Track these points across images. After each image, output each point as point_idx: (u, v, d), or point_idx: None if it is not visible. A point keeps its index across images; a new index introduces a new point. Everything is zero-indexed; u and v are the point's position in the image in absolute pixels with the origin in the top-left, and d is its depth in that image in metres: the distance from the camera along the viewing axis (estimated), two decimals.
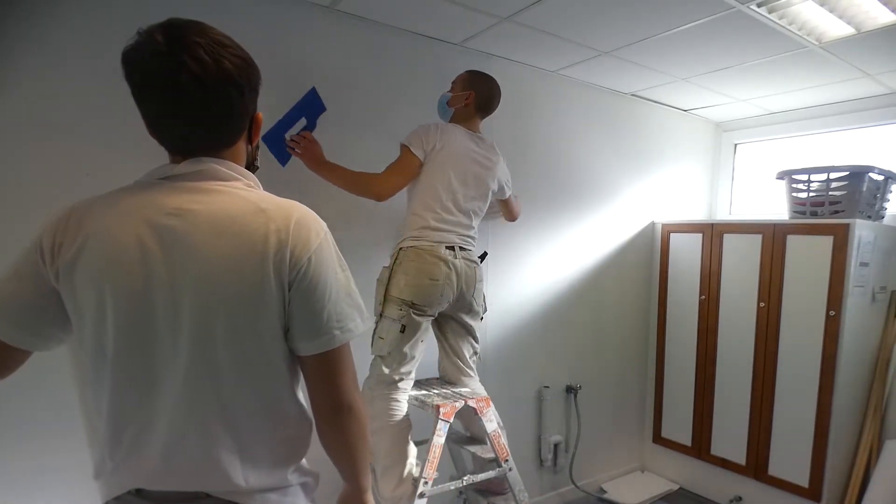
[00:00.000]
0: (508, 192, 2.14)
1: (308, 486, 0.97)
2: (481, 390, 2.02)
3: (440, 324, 1.98)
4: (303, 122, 1.89)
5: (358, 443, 0.95)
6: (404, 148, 1.83)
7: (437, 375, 2.10)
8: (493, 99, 2.01)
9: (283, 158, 1.89)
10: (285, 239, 0.82)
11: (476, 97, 1.95)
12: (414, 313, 1.77)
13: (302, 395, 0.94)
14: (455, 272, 1.82)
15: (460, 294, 1.86)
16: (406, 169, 1.82)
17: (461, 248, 1.85)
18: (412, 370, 1.84)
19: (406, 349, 1.78)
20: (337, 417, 0.91)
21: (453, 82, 2.01)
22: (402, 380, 1.81)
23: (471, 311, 1.95)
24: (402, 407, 1.81)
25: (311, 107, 1.89)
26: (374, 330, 1.82)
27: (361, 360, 2.14)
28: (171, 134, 0.86)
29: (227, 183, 0.86)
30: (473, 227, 1.93)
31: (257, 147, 1.01)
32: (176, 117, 0.82)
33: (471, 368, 2.04)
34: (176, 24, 0.81)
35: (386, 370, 1.78)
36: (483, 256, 1.99)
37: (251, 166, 0.98)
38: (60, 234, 0.83)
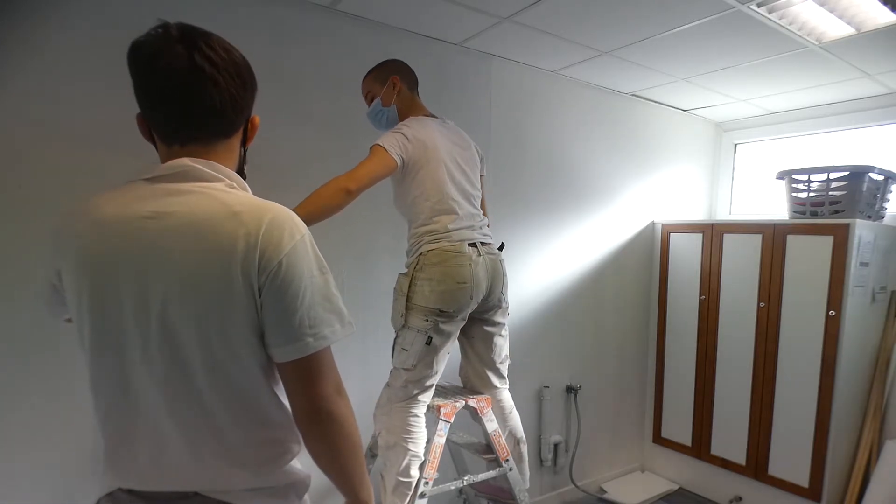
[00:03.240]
0: (485, 170, 1.96)
1: (299, 487, 0.96)
2: (508, 401, 1.97)
3: (464, 328, 1.83)
4: None
5: (345, 452, 0.91)
6: (379, 149, 1.62)
7: (459, 384, 2.04)
8: (412, 71, 1.83)
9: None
10: (254, 242, 0.81)
11: (401, 78, 1.78)
12: (441, 322, 1.68)
13: (284, 397, 0.93)
14: (484, 269, 1.72)
15: (489, 292, 1.77)
16: (379, 172, 1.60)
17: (482, 244, 1.76)
18: (434, 383, 1.77)
19: (432, 361, 1.71)
20: (316, 426, 0.88)
21: (366, 94, 1.82)
22: (422, 392, 1.74)
23: (500, 308, 1.86)
24: (421, 422, 1.73)
25: None
26: (396, 340, 1.74)
27: (351, 363, 2.15)
28: (171, 114, 0.85)
29: (208, 184, 0.86)
30: (482, 216, 1.83)
31: (245, 162, 1.00)
32: (183, 98, 0.83)
33: (501, 378, 1.94)
34: (188, 24, 0.85)
35: (407, 383, 1.71)
36: (501, 247, 1.88)
37: (241, 172, 0.96)
38: (56, 236, 0.88)
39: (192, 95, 0.83)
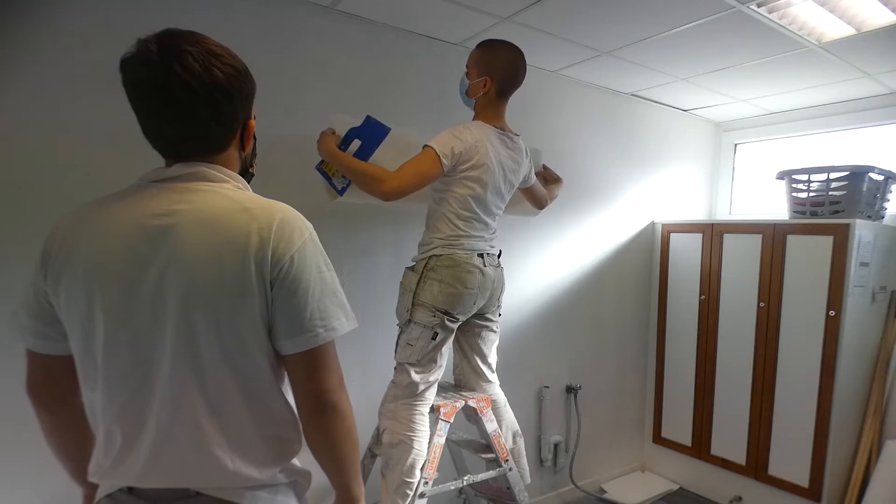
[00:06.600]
0: (532, 181, 2.00)
1: (298, 485, 0.97)
2: (500, 396, 1.99)
3: (459, 327, 1.85)
4: (357, 144, 1.74)
5: (345, 445, 0.94)
6: (430, 151, 1.63)
7: (452, 381, 2.05)
8: (514, 78, 1.78)
9: (334, 186, 1.77)
10: (267, 237, 0.84)
11: (493, 83, 1.74)
12: (448, 320, 1.71)
13: (290, 395, 0.95)
14: (490, 279, 1.78)
15: (489, 298, 1.83)
16: (426, 174, 1.63)
17: (488, 255, 1.80)
18: (439, 378, 1.79)
19: (437, 356, 1.74)
20: (321, 418, 0.91)
21: (467, 64, 1.80)
22: (428, 388, 1.75)
23: (495, 310, 1.91)
24: (426, 421, 1.75)
25: (367, 132, 1.74)
26: (400, 336, 1.76)
27: (351, 363, 2.15)
28: (162, 138, 0.88)
29: (216, 184, 0.88)
30: (495, 228, 1.86)
31: (254, 154, 1.03)
32: (166, 122, 0.85)
33: (493, 372, 1.97)
34: (170, 34, 0.83)
35: (416, 378, 1.72)
36: (499, 254, 1.92)
37: (246, 173, 1.01)
38: (52, 241, 0.87)
39: (173, 124, 0.85)
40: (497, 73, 1.75)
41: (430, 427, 1.78)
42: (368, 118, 1.74)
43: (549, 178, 2.22)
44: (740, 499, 2.83)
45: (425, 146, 1.66)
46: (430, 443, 1.76)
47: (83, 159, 1.59)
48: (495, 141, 1.76)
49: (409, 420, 1.72)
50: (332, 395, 0.90)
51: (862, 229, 2.40)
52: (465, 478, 1.88)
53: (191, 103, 0.82)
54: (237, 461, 0.87)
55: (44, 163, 1.55)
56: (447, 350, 1.78)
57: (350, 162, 1.68)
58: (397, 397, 1.75)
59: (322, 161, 1.77)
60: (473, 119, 1.81)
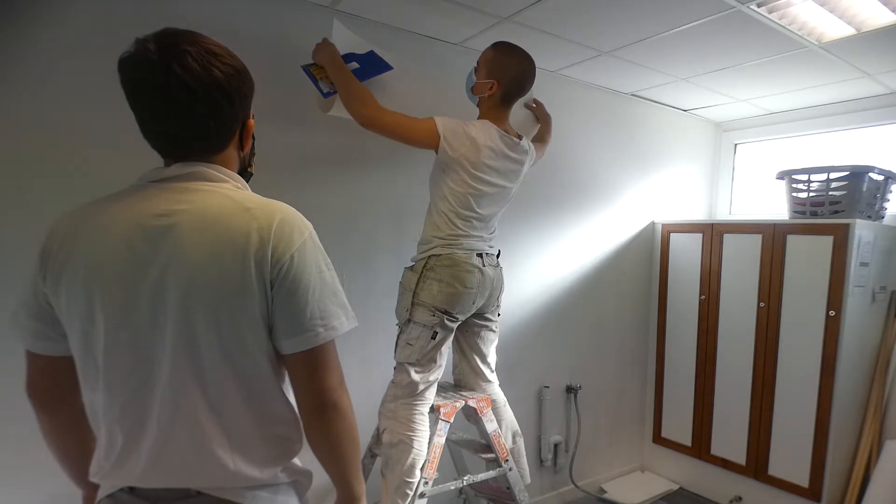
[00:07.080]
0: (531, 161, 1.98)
1: (299, 484, 0.98)
2: (500, 396, 1.99)
3: (459, 326, 1.86)
4: (353, 66, 1.71)
5: (346, 444, 0.94)
6: (431, 123, 1.64)
7: (452, 381, 2.05)
8: (521, 87, 1.79)
9: (320, 89, 1.74)
10: (267, 237, 0.84)
11: (500, 88, 1.74)
12: (447, 319, 1.71)
13: (290, 395, 0.95)
14: (489, 278, 1.78)
15: (488, 298, 1.83)
16: (409, 132, 1.64)
17: (487, 255, 1.80)
18: (438, 378, 1.79)
19: (436, 356, 1.74)
20: (322, 417, 0.91)
21: (479, 60, 1.79)
22: (427, 388, 1.76)
23: (494, 310, 1.92)
24: (426, 421, 1.75)
25: (367, 62, 1.73)
26: (400, 336, 1.76)
27: (352, 363, 2.15)
28: (161, 138, 0.88)
29: (215, 184, 0.88)
30: (495, 228, 1.87)
31: (253, 154, 1.04)
32: (165, 122, 0.85)
33: (492, 371, 1.98)
34: (169, 34, 0.83)
35: (416, 377, 1.72)
36: (497, 255, 1.92)
37: (244, 172, 1.01)
38: (51, 241, 0.87)
39: (172, 124, 0.85)
40: (505, 78, 1.75)
41: (430, 427, 1.78)
42: (372, 52, 1.74)
43: (539, 115, 2.22)
44: (740, 499, 2.83)
45: (433, 118, 1.66)
46: (430, 443, 1.76)
47: (83, 159, 1.59)
48: (499, 142, 1.75)
49: (409, 420, 1.72)
50: (332, 394, 0.90)
51: (862, 229, 2.40)
52: (465, 478, 1.88)
53: (190, 103, 0.82)
54: (238, 461, 0.87)
55: (44, 163, 1.55)
56: (447, 350, 1.78)
57: (348, 76, 1.64)
58: (397, 397, 1.75)
59: (312, 64, 1.72)
60: (479, 118, 1.81)
